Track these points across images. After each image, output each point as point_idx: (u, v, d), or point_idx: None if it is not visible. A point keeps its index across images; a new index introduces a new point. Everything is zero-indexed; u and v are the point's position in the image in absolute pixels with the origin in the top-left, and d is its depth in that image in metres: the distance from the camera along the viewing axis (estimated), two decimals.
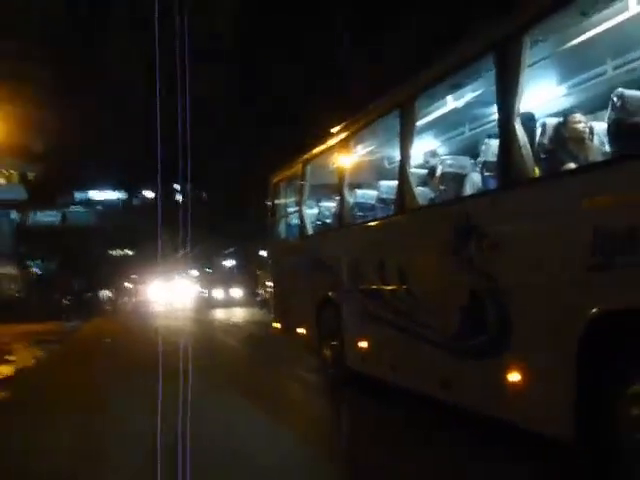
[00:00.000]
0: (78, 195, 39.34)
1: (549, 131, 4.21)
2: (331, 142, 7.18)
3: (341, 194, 6.84)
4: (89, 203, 39.68)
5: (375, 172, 7.25)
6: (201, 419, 5.29)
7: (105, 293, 34.93)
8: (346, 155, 6.80)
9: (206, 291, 34.44)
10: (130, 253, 38.27)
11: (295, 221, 8.54)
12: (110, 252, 38.65)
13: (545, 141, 4.19)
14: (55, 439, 5.20)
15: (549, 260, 3.58)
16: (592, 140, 4.16)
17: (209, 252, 35.24)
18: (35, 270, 33.87)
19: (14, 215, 28.06)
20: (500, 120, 4.11)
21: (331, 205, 8.14)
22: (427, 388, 5.13)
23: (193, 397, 5.80)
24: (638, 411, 3.07)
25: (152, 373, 6.94)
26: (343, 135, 6.87)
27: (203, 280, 37.36)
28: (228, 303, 30.96)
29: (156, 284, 31.80)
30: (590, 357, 3.25)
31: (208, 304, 32.13)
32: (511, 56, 3.87)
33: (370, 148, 7.19)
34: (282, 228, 9.16)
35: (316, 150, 7.70)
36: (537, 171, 3.97)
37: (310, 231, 8.02)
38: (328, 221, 8.11)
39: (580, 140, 4.09)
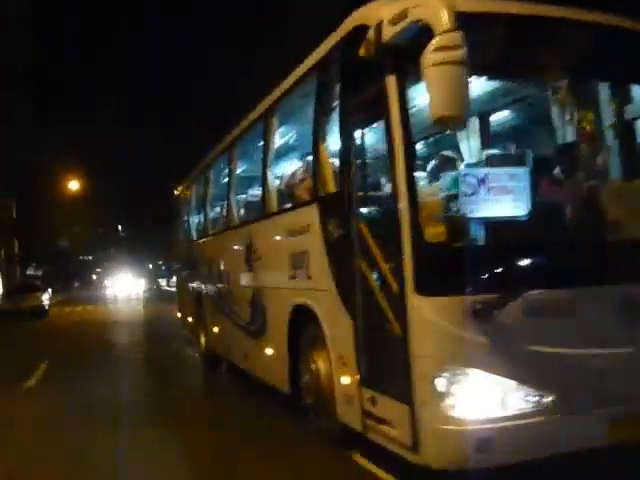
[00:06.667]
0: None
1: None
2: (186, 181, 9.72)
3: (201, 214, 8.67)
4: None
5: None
6: None
7: (75, 282, 58.12)
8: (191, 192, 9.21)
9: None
10: (90, 258, 64.23)
11: (185, 227, 10.14)
12: (80, 258, 59.41)
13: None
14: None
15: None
16: None
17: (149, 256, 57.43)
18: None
19: None
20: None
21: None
22: (239, 361, 6.77)
23: None
24: (308, 368, 4.68)
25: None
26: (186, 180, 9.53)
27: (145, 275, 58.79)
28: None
29: (111, 277, 51.18)
30: (291, 338, 4.89)
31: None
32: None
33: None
34: (179, 233, 10.76)
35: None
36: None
37: (194, 237, 9.57)
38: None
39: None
